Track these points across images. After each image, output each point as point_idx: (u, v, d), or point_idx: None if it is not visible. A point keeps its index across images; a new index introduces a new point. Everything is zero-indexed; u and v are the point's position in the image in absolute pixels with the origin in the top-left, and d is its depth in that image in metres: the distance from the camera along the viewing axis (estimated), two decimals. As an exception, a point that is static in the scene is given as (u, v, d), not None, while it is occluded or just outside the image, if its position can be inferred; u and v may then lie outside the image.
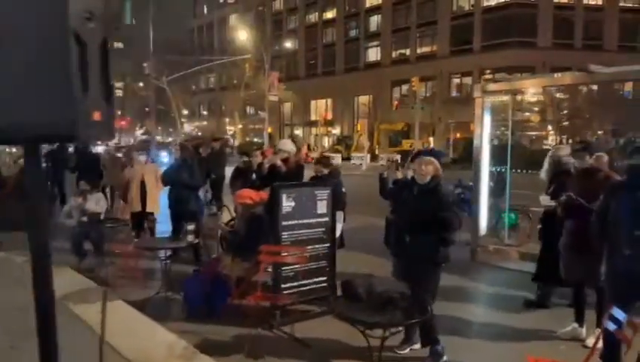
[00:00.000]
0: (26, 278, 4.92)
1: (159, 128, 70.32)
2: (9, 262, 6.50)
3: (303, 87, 53.40)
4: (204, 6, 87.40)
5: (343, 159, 36.56)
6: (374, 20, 50.41)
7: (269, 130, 39.18)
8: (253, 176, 6.55)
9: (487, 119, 7.53)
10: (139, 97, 59.76)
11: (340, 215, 5.33)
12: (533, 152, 22.33)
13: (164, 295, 5.22)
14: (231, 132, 51.69)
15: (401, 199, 4.06)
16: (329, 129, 52.52)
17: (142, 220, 8.21)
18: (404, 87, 44.51)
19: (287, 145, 6.01)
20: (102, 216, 6.74)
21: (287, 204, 4.69)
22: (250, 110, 54.68)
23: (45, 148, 15.88)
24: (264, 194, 4.96)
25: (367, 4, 50.73)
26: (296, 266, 4.68)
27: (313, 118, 53.97)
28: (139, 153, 8.42)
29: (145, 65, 42.29)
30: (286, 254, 4.52)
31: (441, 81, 41.33)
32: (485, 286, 6.47)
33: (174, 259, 6.76)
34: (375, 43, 49.99)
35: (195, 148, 11.00)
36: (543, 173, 5.34)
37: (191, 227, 5.16)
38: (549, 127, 32.18)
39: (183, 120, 55.15)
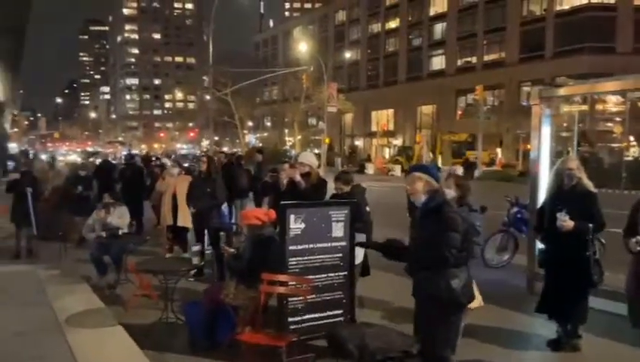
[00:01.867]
0: (39, 296, 4.71)
1: (226, 139, 72.69)
2: (30, 277, 6.43)
3: (364, 97, 52.91)
4: (270, 20, 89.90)
5: (402, 170, 35.57)
6: (439, 28, 49.10)
7: (327, 140, 38.89)
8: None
9: (547, 129, 6.57)
10: (207, 110, 61.99)
11: (361, 238, 4.70)
12: (612, 166, 20.32)
13: (171, 320, 4.82)
14: (290, 143, 52.05)
15: (411, 224, 3.39)
16: (390, 140, 51.53)
17: (176, 234, 8.04)
18: (470, 96, 42.74)
19: (309, 158, 5.45)
20: (125, 231, 6.52)
21: (295, 226, 4.15)
22: (311, 121, 54.93)
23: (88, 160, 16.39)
24: (273, 214, 4.45)
25: (432, 13, 49.55)
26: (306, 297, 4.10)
27: (374, 128, 53.22)
28: (172, 165, 8.24)
29: (205, 78, 43.56)
30: (291, 285, 3.97)
31: (510, 90, 39.22)
32: (546, 328, 5.00)
33: (199, 278, 6.52)
34: (439, 51, 48.63)
35: (237, 160, 10.79)
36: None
37: (196, 248, 4.78)
38: (631, 138, 29.33)
39: (245, 131, 56.30)
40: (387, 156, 47.77)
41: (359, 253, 4.64)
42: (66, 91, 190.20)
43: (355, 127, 56.68)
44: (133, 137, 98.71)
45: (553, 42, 37.76)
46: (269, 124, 69.05)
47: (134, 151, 41.15)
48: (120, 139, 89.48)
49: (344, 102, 44.24)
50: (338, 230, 4.36)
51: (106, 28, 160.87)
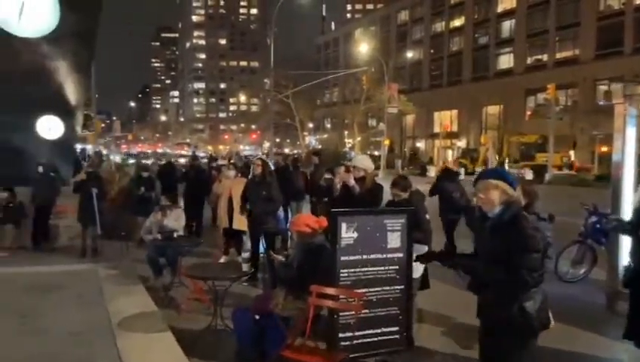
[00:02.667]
0: (96, 296, 4.75)
1: (287, 141, 73.74)
2: (91, 276, 6.59)
3: (427, 98, 51.68)
4: (332, 23, 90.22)
5: (467, 173, 34.27)
6: (507, 25, 47.03)
7: (387, 142, 38.24)
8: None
9: (632, 130, 5.88)
10: (270, 112, 63.25)
11: (421, 250, 4.36)
12: None
13: (220, 327, 4.71)
14: (350, 144, 51.79)
15: (477, 236, 3.01)
16: (453, 141, 49.94)
17: (231, 237, 8.03)
18: (540, 96, 40.48)
19: (364, 162, 5.14)
20: (180, 233, 6.54)
21: (347, 235, 3.88)
22: (371, 122, 54.43)
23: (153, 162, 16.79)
24: (324, 222, 4.20)
25: (499, 10, 47.54)
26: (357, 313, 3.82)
27: (436, 130, 51.81)
28: (229, 168, 8.23)
29: (266, 80, 44.29)
30: (342, 299, 3.71)
31: (584, 88, 36.76)
32: (629, 354, 4.53)
33: (252, 283, 6.43)
34: (507, 49, 46.55)
35: (294, 163, 10.67)
36: None
37: (246, 255, 4.63)
38: None
39: (305, 133, 56.70)
40: (450, 158, 46.29)
41: (419, 266, 4.30)
42: (140, 95, 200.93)
43: (416, 128, 55.52)
44: (199, 139, 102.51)
45: (633, 37, 35.04)
46: (329, 125, 69.24)
47: (201, 153, 42.48)
48: (187, 140, 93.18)
49: (405, 103, 43.41)
50: (394, 240, 4.05)
51: (176, 35, 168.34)
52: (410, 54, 53.98)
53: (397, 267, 4.08)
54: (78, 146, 33.94)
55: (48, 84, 9.94)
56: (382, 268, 4.02)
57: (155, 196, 9.49)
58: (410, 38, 58.96)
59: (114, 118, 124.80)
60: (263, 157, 7.12)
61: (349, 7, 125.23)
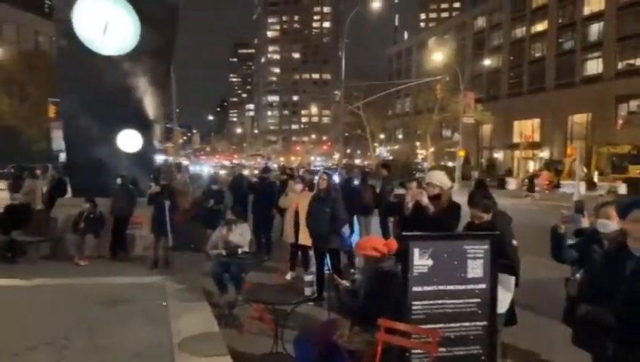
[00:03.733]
0: (161, 312, 4.64)
1: (358, 152, 73.43)
2: (158, 289, 6.60)
3: (505, 106, 49.26)
4: (405, 33, 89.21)
5: (552, 187, 31.97)
6: (594, 29, 43.76)
7: (462, 153, 36.70)
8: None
9: None
10: (340, 123, 63.43)
11: (507, 281, 3.82)
12: None
13: (280, 351, 4.42)
14: (422, 155, 50.43)
15: (604, 277, 2.46)
16: (535, 152, 47.04)
17: (298, 253, 7.80)
18: (632, 103, 37.12)
19: (439, 178, 4.63)
20: (245, 249, 6.37)
21: (420, 262, 3.44)
22: (445, 133, 52.75)
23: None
24: (393, 245, 3.78)
25: (586, 12, 44.37)
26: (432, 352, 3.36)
27: (516, 140, 49.12)
28: (296, 181, 8.02)
29: (337, 92, 44.28)
30: (414, 336, 3.27)
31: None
32: None
33: (318, 303, 6.11)
34: (595, 54, 43.26)
35: (362, 175, 10.28)
36: None
37: (309, 278, 4.32)
38: None
39: (376, 144, 56.05)
40: (531, 170, 43.56)
41: (504, 299, 3.76)
42: (218, 109, 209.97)
43: (494, 138, 53.02)
44: (272, 150, 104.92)
45: None
46: (400, 136, 68.09)
47: (273, 164, 43.20)
48: (260, 152, 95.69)
49: (482, 113, 41.59)
50: (475, 269, 3.54)
51: (252, 50, 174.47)
52: (487, 62, 51.82)
53: (479, 300, 3.57)
54: (160, 158, 35.79)
55: (128, 99, 10.41)
56: (461, 300, 3.53)
57: (223, 209, 9.50)
58: (487, 45, 56.71)
59: (194, 130, 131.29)
60: (328, 172, 6.80)
61: (422, 16, 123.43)
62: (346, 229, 6.50)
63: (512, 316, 4.03)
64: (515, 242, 3.95)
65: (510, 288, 3.95)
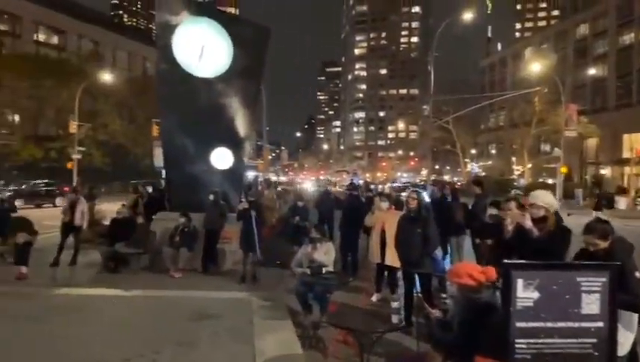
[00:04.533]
0: (246, 330, 4.62)
1: (447, 168, 71.20)
2: (244, 306, 6.63)
3: (613, 119, 45.07)
4: (498, 44, 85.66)
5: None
6: None
7: (563, 169, 33.99)
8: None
9: None
10: (429, 138, 62.09)
11: (629, 319, 3.28)
12: None
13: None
14: (518, 172, 47.49)
15: None
16: (648, 168, 42.37)
17: (384, 273, 7.52)
18: None
19: (545, 198, 4.12)
20: (330, 268, 6.22)
21: (525, 294, 3.03)
22: (544, 147, 49.37)
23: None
24: (492, 273, 3.39)
25: None
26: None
27: (626, 154, 44.62)
28: (382, 198, 7.75)
29: (425, 107, 43.25)
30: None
31: None
32: None
33: (407, 329, 5.77)
34: None
35: (453, 193, 9.74)
36: None
37: (396, 304, 4.03)
38: None
39: (466, 160, 53.86)
40: (645, 188, 39.24)
41: (625, 340, 3.23)
42: (306, 126, 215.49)
43: (600, 153, 48.62)
44: (358, 166, 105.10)
45: None
46: (493, 151, 64.90)
47: (358, 180, 43.12)
48: (346, 168, 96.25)
49: (586, 125, 38.37)
50: (591, 305, 3.06)
51: (340, 68, 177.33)
52: (591, 71, 47.94)
53: (595, 340, 3.07)
54: (251, 174, 37.24)
55: (221, 118, 10.86)
56: (574, 340, 3.06)
57: (309, 226, 9.47)
58: (591, 54, 52.53)
59: (282, 147, 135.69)
60: (417, 190, 6.43)
61: (517, 25, 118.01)
62: (438, 252, 6.11)
63: (634, 359, 3.46)
64: (638, 274, 3.40)
65: (632, 327, 3.40)
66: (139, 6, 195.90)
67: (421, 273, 5.90)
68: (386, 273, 7.44)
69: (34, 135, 38.87)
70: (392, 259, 6.95)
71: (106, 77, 36.25)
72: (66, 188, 24.31)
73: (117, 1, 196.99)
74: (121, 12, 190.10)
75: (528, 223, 3.96)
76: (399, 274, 6.90)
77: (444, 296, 6.90)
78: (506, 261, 3.16)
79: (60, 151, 37.37)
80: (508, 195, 6.90)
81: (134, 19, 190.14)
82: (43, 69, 36.87)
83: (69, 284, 8.22)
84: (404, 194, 24.60)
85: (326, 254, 6.22)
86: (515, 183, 41.07)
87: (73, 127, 32.87)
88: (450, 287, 6.39)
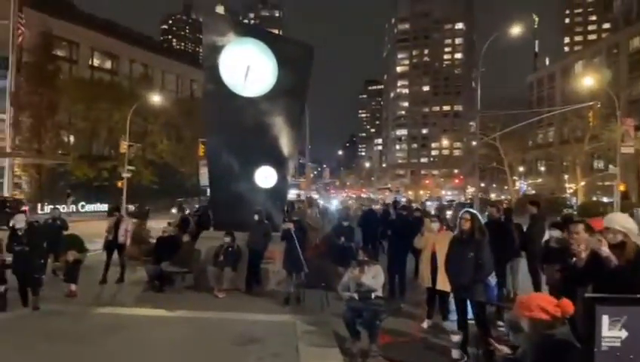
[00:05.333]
0: (289, 357, 4.41)
1: (494, 186, 69.08)
2: (289, 330, 6.40)
3: (676, 134, 42.38)
4: (546, 58, 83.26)
5: None
6: None
7: (621, 187, 32.11)
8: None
9: None
10: (474, 156, 60.61)
11: None
12: None
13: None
14: (571, 190, 45.35)
15: None
16: None
17: (434, 299, 7.13)
18: None
19: (624, 222, 3.67)
20: (379, 294, 5.90)
21: (611, 333, 2.67)
22: (598, 164, 47.04)
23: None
24: (568, 306, 3.02)
25: None
26: None
27: (692, 173, 41.83)
28: (432, 219, 7.38)
29: (471, 123, 42.20)
30: None
31: None
32: None
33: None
34: None
35: (507, 213, 9.21)
36: None
37: (457, 338, 3.67)
38: None
39: (515, 178, 52.02)
40: None
41: None
42: (347, 144, 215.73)
43: (659, 170, 45.78)
44: (400, 184, 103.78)
45: None
46: (543, 168, 62.48)
47: (401, 198, 42.32)
48: (388, 185, 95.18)
49: (646, 141, 36.19)
50: (690, 348, 2.66)
51: (382, 86, 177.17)
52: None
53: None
54: (293, 192, 37.32)
55: (265, 137, 10.85)
56: (670, 388, 2.66)
57: (355, 246, 9.19)
58: (646, 66, 50.05)
59: (324, 165, 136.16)
60: (472, 210, 6.01)
61: (566, 39, 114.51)
62: (492, 278, 5.70)
63: None
64: None
65: None
66: (187, 30, 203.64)
67: (473, 303, 5.48)
68: (437, 298, 7.05)
69: (87, 155, 40.61)
70: (444, 283, 6.57)
71: (155, 99, 37.56)
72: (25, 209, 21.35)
73: (166, 27, 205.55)
74: (170, 37, 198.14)
75: (605, 251, 3.54)
76: (451, 298, 6.51)
77: (500, 323, 6.43)
78: (589, 294, 2.81)
79: (111, 171, 38.81)
80: (564, 214, 6.39)
81: (183, 43, 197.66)
82: (97, 92, 38.64)
83: (115, 303, 8.28)
84: (448, 212, 23.87)
85: (374, 278, 5.92)
86: (568, 202, 39.20)
87: (124, 146, 34.12)
88: (509, 315, 5.94)
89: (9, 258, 7.57)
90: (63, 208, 25.47)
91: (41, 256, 7.97)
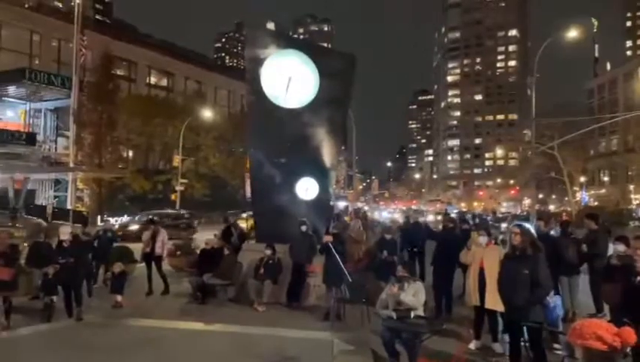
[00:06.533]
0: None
1: (553, 197, 65.86)
2: (325, 348, 6.14)
3: None
4: (607, 63, 79.13)
5: None
6: None
7: (697, 199, 29.65)
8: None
9: None
10: (531, 166, 58.16)
11: None
12: None
13: None
14: (637, 201, 42.42)
15: None
16: None
17: (483, 318, 6.66)
18: None
19: None
20: (419, 313, 5.54)
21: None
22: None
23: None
24: (629, 335, 2.61)
25: None
26: None
27: None
28: (480, 233, 6.90)
29: (526, 132, 40.45)
30: None
31: None
32: None
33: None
34: None
35: (563, 226, 8.57)
36: None
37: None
38: None
39: (575, 188, 49.33)
40: None
41: None
42: (397, 156, 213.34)
43: None
44: (452, 196, 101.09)
45: None
46: (606, 178, 58.95)
47: (453, 210, 41.04)
48: (439, 197, 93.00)
49: None
50: None
51: (432, 96, 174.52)
52: None
53: None
54: (341, 204, 37.08)
55: (307, 148, 10.73)
56: None
57: (398, 261, 8.83)
58: None
59: (373, 177, 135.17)
60: (525, 224, 5.54)
61: (628, 43, 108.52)
62: (551, 298, 5.20)
63: None
64: None
65: None
66: (239, 48, 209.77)
67: (528, 327, 5.01)
68: (486, 317, 6.58)
69: (144, 168, 42.27)
70: (493, 301, 6.13)
71: (208, 114, 38.62)
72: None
73: (219, 45, 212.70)
74: (223, 54, 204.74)
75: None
76: (500, 319, 6.05)
77: (557, 346, 5.89)
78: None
79: (165, 183, 40.16)
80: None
81: (235, 60, 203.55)
82: (153, 109, 40.28)
83: (157, 315, 8.32)
84: (503, 225, 22.77)
85: (414, 296, 5.57)
86: (634, 214, 36.64)
87: (177, 160, 35.21)
88: (566, 339, 5.42)
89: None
90: (116, 221, 26.47)
91: (85, 268, 8.16)
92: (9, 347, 6.57)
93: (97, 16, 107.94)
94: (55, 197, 34.81)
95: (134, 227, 21.22)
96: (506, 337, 6.02)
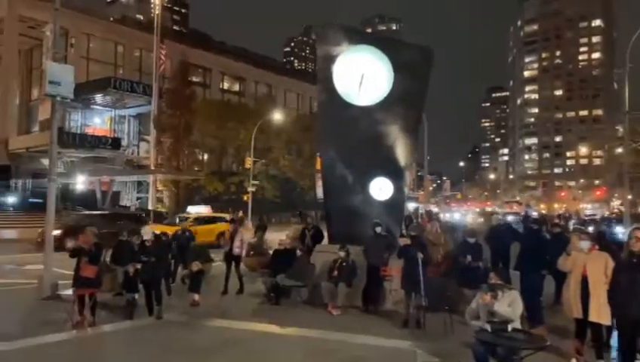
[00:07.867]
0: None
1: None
2: (405, 359, 5.70)
3: None
4: None
5: None
6: None
7: None
8: None
9: None
10: (619, 165, 53.61)
11: None
12: None
13: None
14: None
15: None
16: None
17: (585, 332, 5.93)
18: None
19: None
20: (517, 325, 4.95)
21: None
22: None
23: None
24: None
25: None
26: None
27: None
28: (581, 237, 6.13)
29: (618, 128, 37.17)
30: None
31: None
32: None
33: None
34: None
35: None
36: None
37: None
38: None
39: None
40: None
41: None
42: (469, 156, 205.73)
43: None
44: (531, 197, 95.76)
45: None
46: None
47: (533, 212, 38.69)
48: (517, 199, 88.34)
49: None
50: None
51: (507, 93, 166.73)
52: None
53: None
54: (411, 205, 36.11)
55: (380, 147, 10.30)
56: None
57: (483, 266, 8.19)
58: None
59: (444, 178, 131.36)
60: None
61: None
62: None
63: None
64: None
65: None
66: (307, 51, 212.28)
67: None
68: (589, 331, 5.85)
69: (218, 171, 43.67)
70: (599, 314, 5.45)
71: (278, 117, 39.21)
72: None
73: (289, 49, 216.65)
74: (292, 58, 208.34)
75: None
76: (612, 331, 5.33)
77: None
78: None
79: (238, 185, 41.24)
80: None
81: (303, 63, 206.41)
82: (226, 113, 41.52)
83: (232, 315, 8.29)
84: (590, 229, 20.96)
85: (510, 306, 5.00)
86: None
87: (249, 162, 35.99)
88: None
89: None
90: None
91: (165, 267, 8.31)
92: (94, 343, 6.77)
93: (175, 27, 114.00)
94: (137, 198, 36.85)
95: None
96: (613, 354, 5.33)
